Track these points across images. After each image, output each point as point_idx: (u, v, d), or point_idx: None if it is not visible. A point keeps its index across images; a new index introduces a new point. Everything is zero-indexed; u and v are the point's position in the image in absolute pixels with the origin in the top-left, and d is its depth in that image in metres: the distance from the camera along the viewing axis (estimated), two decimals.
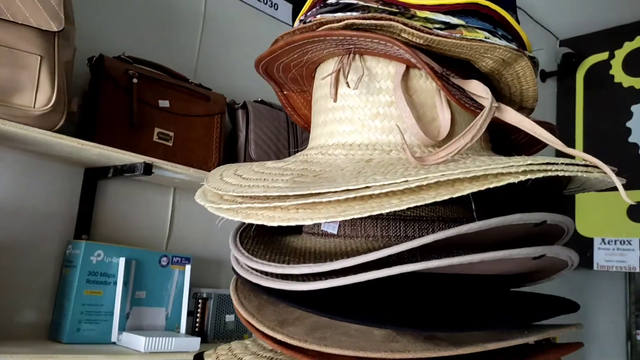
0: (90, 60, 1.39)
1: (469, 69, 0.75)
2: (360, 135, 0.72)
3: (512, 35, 0.74)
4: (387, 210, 0.56)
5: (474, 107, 0.68)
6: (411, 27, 0.67)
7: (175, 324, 1.40)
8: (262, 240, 0.76)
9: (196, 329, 1.45)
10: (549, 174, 0.58)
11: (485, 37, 0.69)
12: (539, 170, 0.58)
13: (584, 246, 2.79)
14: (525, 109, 0.83)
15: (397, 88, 0.70)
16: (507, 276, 0.79)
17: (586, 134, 2.87)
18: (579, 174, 0.59)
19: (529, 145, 0.84)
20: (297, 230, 0.81)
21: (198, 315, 1.46)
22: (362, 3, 0.71)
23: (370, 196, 0.59)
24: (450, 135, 0.70)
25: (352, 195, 0.57)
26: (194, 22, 1.62)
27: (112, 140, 1.23)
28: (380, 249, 0.60)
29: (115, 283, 1.23)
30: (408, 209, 0.70)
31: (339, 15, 0.71)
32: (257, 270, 0.67)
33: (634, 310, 3.24)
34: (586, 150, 2.83)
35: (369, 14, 0.69)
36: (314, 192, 0.59)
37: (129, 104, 1.32)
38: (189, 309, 1.40)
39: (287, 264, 0.65)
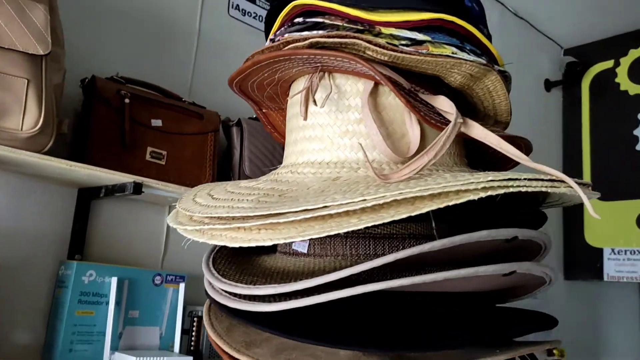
0: (82, 81, 1.41)
1: (439, 85, 0.74)
2: (330, 153, 0.72)
3: (482, 50, 0.73)
4: (346, 230, 0.55)
5: (440, 123, 0.67)
6: (375, 44, 0.66)
7: (170, 342, 1.40)
8: (235, 260, 0.76)
9: (191, 348, 1.45)
10: (510, 190, 0.57)
11: (453, 53, 0.69)
12: (499, 187, 0.57)
13: (593, 257, 2.74)
14: (500, 123, 0.82)
15: (365, 105, 0.70)
16: (486, 293, 0.78)
17: (593, 142, 2.83)
18: (543, 189, 0.58)
19: (506, 160, 0.83)
20: (272, 249, 0.80)
21: (193, 333, 1.45)
22: (329, 22, 0.71)
23: (331, 215, 0.58)
24: (420, 151, 0.69)
25: (309, 215, 0.57)
26: (189, 41, 1.63)
27: (104, 160, 1.23)
28: (346, 268, 0.59)
29: (107, 303, 1.23)
30: (378, 226, 0.69)
31: (305, 33, 0.71)
32: (224, 291, 0.67)
33: None
34: (594, 159, 2.80)
35: (334, 32, 0.69)
36: (273, 212, 0.59)
37: (121, 124, 1.33)
38: (184, 327, 1.39)
39: (253, 284, 0.65)
